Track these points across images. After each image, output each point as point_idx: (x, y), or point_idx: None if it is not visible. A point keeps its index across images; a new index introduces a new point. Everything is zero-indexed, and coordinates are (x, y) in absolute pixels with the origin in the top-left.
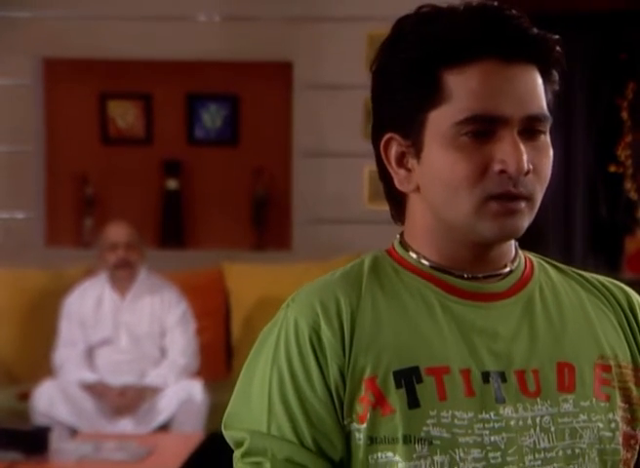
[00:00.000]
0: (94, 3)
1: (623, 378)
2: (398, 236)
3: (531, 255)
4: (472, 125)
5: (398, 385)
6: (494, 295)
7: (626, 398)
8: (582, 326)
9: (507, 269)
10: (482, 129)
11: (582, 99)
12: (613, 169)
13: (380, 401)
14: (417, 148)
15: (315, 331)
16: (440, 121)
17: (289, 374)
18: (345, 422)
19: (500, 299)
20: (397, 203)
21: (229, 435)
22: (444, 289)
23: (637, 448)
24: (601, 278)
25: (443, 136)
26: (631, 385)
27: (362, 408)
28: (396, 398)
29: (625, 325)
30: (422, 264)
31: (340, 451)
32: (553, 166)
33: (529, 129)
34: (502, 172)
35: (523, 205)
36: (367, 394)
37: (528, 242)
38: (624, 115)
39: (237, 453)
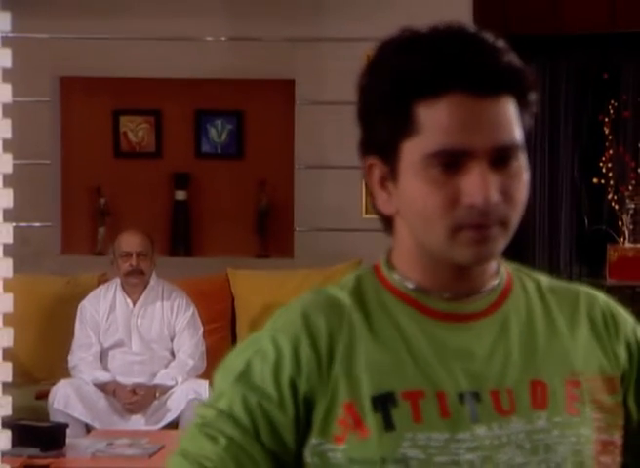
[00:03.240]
0: (107, 25)
1: (593, 392)
2: (385, 255)
3: (511, 268)
4: (441, 158)
5: (375, 409)
6: (472, 316)
7: (599, 409)
8: (554, 344)
9: (489, 286)
10: (450, 162)
11: (567, 116)
12: (596, 181)
13: (357, 424)
14: (393, 175)
15: (295, 350)
16: (412, 152)
17: (258, 380)
18: (314, 441)
19: (477, 319)
20: (386, 219)
21: (199, 409)
22: (424, 312)
23: (616, 452)
24: (573, 288)
25: (415, 168)
26: (602, 396)
27: (340, 430)
28: (373, 421)
29: (602, 332)
30: (405, 287)
31: (291, 458)
32: (540, 178)
33: (499, 158)
34: (470, 205)
35: (495, 230)
36: (346, 417)
37: (515, 251)
38: (607, 130)
39: (198, 421)
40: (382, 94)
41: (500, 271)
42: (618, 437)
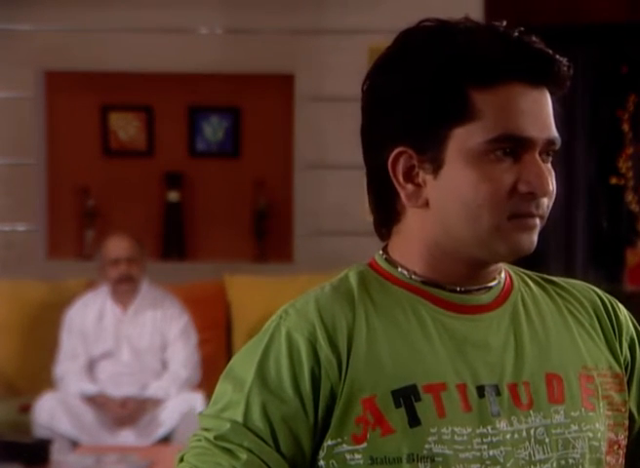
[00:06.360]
0: (95, 16)
1: (605, 387)
2: (380, 252)
3: (507, 267)
4: (502, 143)
5: (397, 404)
6: (482, 307)
7: (610, 406)
8: (564, 336)
9: (495, 282)
10: (511, 148)
11: (584, 112)
12: (614, 181)
13: (379, 421)
14: (435, 164)
15: (312, 346)
16: (466, 138)
17: (275, 382)
18: (330, 443)
19: (488, 311)
20: (388, 217)
21: (204, 421)
22: (433, 302)
23: (620, 453)
24: (573, 283)
25: (469, 154)
26: (612, 393)
27: (360, 428)
28: (396, 417)
29: (608, 327)
30: (412, 280)
31: (307, 466)
32: (555, 177)
33: (545, 151)
34: (529, 193)
35: (538, 222)
36: (365, 414)
37: (528, 255)
38: (625, 127)
39: (208, 434)
40: (432, 79)
41: (502, 268)
42: (622, 437)
